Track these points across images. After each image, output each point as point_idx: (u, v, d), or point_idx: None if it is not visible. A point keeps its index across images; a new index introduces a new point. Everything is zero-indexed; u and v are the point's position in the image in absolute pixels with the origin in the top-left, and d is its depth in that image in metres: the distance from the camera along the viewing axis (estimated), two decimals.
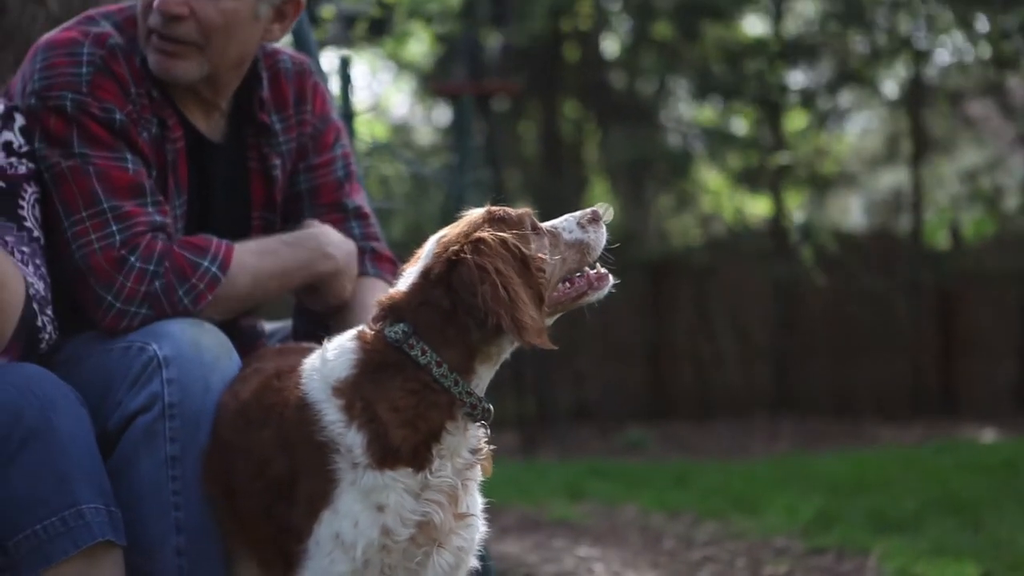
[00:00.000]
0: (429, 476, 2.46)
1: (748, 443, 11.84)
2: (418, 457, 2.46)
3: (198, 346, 2.68)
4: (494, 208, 2.56)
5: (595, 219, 2.60)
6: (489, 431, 2.56)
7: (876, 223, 15.33)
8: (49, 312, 2.72)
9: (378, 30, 11.89)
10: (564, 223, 2.59)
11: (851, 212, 17.42)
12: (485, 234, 2.49)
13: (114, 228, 2.75)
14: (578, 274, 2.58)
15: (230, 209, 3.02)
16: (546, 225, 2.59)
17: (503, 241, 2.48)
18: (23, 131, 2.79)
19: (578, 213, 2.61)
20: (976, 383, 13.55)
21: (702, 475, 8.74)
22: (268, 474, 2.53)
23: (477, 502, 2.57)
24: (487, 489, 2.65)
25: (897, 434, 12.09)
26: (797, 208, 14.80)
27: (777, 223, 14.22)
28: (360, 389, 2.48)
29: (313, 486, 2.47)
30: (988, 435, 11.53)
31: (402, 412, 2.46)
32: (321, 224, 2.98)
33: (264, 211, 3.06)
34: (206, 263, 2.75)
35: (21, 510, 2.47)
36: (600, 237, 2.59)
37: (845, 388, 13.60)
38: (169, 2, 2.79)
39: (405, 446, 2.45)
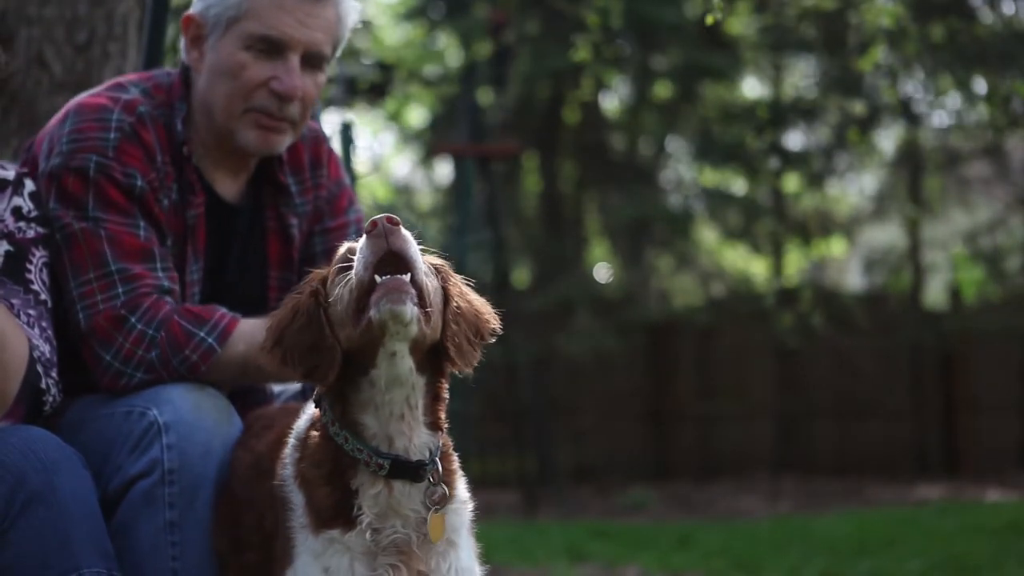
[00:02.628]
0: (376, 536, 2.40)
1: (750, 503, 11.79)
2: (342, 515, 2.41)
3: (199, 411, 2.69)
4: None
5: (364, 234, 2.34)
6: (440, 488, 2.44)
7: (875, 283, 15.36)
8: (54, 375, 2.73)
9: (379, 92, 11.97)
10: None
11: (850, 272, 17.46)
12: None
13: (120, 290, 2.78)
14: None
15: (248, 269, 3.06)
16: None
17: (306, 283, 2.47)
18: (32, 196, 2.83)
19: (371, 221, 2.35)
20: (978, 443, 13.52)
21: (704, 536, 8.70)
22: (263, 529, 2.54)
23: (451, 562, 2.47)
24: (487, 551, 2.62)
25: (899, 495, 12.04)
26: (797, 269, 14.83)
27: (778, 283, 14.25)
28: (306, 445, 2.48)
29: (281, 544, 2.47)
30: (991, 495, 11.48)
31: (321, 469, 2.43)
32: None
33: (282, 270, 3.10)
34: (202, 333, 2.75)
35: (24, 573, 2.46)
36: (366, 254, 2.31)
37: (847, 448, 13.57)
38: (296, 88, 2.90)
39: (327, 504, 2.42)
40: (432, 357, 2.42)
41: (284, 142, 2.97)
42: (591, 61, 8.25)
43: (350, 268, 2.35)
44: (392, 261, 2.31)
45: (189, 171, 2.94)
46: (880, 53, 12.31)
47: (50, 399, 2.72)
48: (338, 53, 3.03)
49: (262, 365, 2.63)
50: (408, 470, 2.41)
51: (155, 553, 2.63)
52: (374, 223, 2.30)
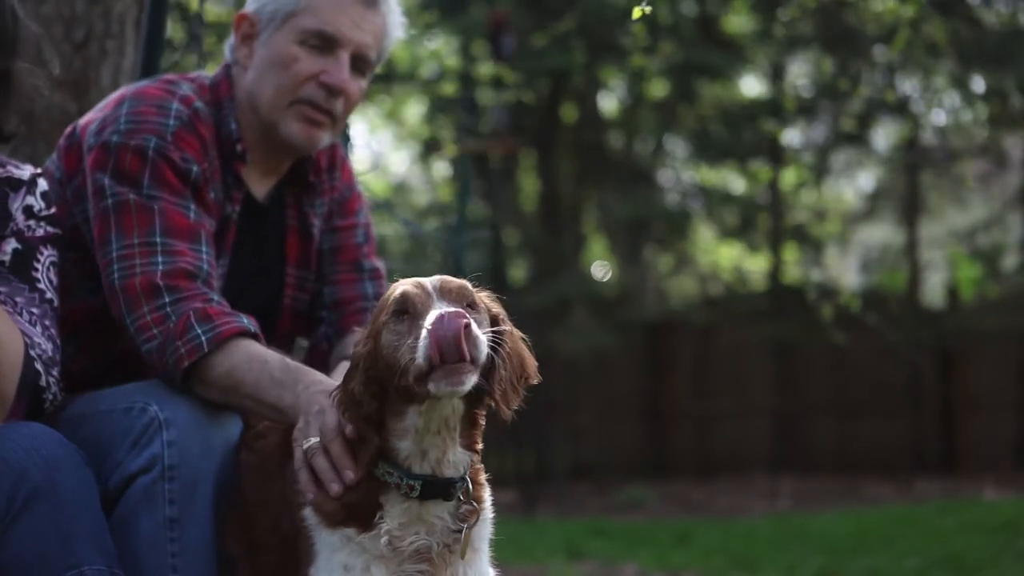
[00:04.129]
0: (397, 541, 2.42)
1: (748, 501, 11.81)
2: (356, 516, 2.43)
3: (200, 408, 2.69)
4: (419, 280, 2.43)
5: (428, 328, 2.31)
6: (471, 506, 2.47)
7: (873, 281, 15.37)
8: (55, 373, 2.73)
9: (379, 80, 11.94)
10: (431, 315, 2.33)
11: (847, 270, 17.46)
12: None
13: (159, 259, 2.78)
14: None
15: (267, 266, 3.12)
16: (431, 310, 2.35)
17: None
18: (44, 196, 2.82)
19: (435, 313, 2.32)
20: (976, 441, 13.54)
21: (702, 534, 8.71)
22: (280, 531, 2.55)
23: (474, 570, 2.50)
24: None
25: (897, 493, 12.06)
26: (796, 266, 14.84)
27: (776, 282, 14.25)
28: None
29: (302, 544, 2.48)
30: (989, 494, 11.49)
31: None
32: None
33: (299, 268, 3.16)
34: (199, 330, 2.72)
35: (24, 570, 2.46)
36: (425, 348, 2.30)
37: (845, 446, 13.58)
38: (346, 81, 2.98)
39: (339, 506, 2.44)
40: (472, 390, 2.42)
41: (324, 139, 3.04)
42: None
43: (404, 314, 2.37)
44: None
45: (236, 169, 3.00)
46: (880, 50, 12.31)
47: (50, 396, 2.72)
48: (378, 66, 3.10)
49: (238, 395, 2.67)
50: (439, 488, 2.44)
51: (154, 549, 2.62)
52: (441, 318, 2.30)
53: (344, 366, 2.89)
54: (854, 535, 8.10)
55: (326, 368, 3.01)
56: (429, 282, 2.41)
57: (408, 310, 2.38)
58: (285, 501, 2.53)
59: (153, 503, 2.62)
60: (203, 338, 2.71)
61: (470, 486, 2.47)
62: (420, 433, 2.42)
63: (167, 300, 2.75)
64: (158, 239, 2.79)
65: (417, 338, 2.32)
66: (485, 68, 12.00)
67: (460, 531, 2.46)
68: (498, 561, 2.61)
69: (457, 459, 2.46)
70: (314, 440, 2.48)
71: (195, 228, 2.84)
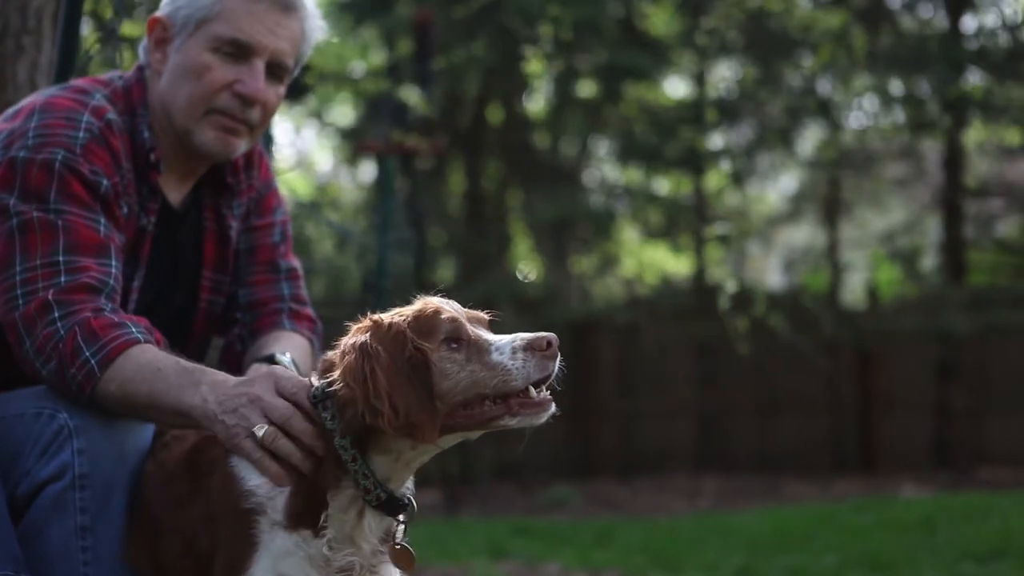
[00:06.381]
0: (332, 553, 2.43)
1: (670, 500, 11.88)
2: (310, 520, 2.43)
3: (109, 415, 2.64)
4: (437, 304, 2.43)
5: (532, 348, 2.38)
6: (403, 525, 2.49)
7: (794, 282, 15.53)
8: None
9: (300, 89, 11.86)
10: (502, 342, 2.38)
11: (770, 271, 17.64)
12: (387, 319, 2.42)
13: (63, 279, 2.69)
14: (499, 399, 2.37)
15: (183, 270, 3.06)
16: (486, 337, 2.39)
17: (398, 330, 2.38)
18: None
19: (524, 336, 2.39)
20: (894, 440, 13.73)
21: (625, 533, 8.76)
22: (195, 551, 2.51)
23: None
24: None
25: (817, 491, 12.19)
26: (717, 266, 14.96)
27: (700, 282, 14.35)
28: None
29: (233, 553, 2.45)
30: (906, 491, 11.66)
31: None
32: (250, 383, 2.58)
33: (215, 271, 3.10)
34: (88, 353, 2.64)
35: None
36: (530, 369, 2.37)
37: (766, 445, 13.71)
38: (260, 91, 2.91)
39: (307, 502, 2.44)
40: None
41: (241, 146, 2.97)
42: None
43: (457, 341, 2.37)
44: None
45: (152, 178, 2.92)
46: (806, 57, 12.45)
47: None
48: (297, 71, 3.04)
49: (137, 408, 2.61)
50: (394, 506, 2.46)
51: (65, 558, 2.58)
52: (549, 343, 2.38)
53: (257, 368, 2.86)
54: (774, 533, 8.18)
55: (239, 368, 2.98)
56: (453, 309, 2.43)
57: (461, 337, 2.38)
58: (207, 518, 2.49)
59: (64, 512, 2.58)
60: (93, 362, 2.63)
61: (415, 506, 2.50)
62: (395, 463, 2.44)
63: (57, 315, 2.66)
64: (61, 258, 2.70)
65: (486, 364, 2.35)
66: (411, 66, 11.98)
67: (383, 550, 2.47)
68: (420, 561, 2.61)
69: (406, 483, 2.50)
70: (265, 427, 2.42)
71: (104, 242, 2.76)
